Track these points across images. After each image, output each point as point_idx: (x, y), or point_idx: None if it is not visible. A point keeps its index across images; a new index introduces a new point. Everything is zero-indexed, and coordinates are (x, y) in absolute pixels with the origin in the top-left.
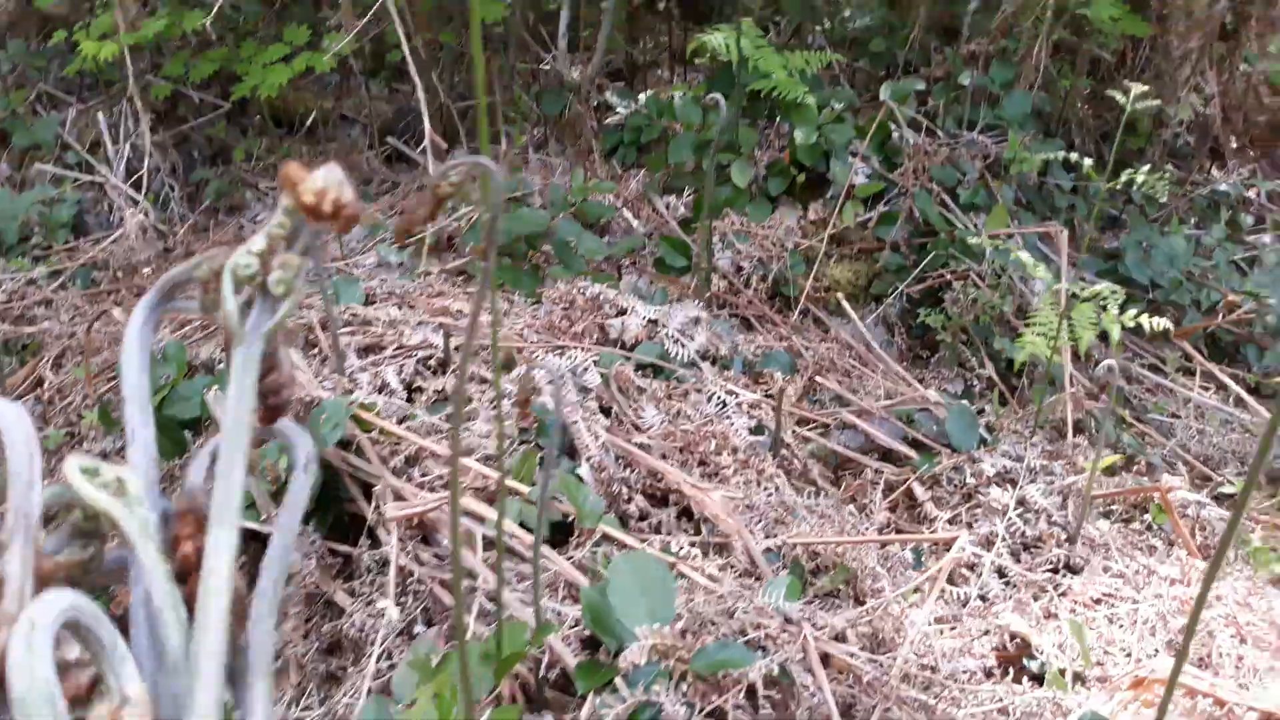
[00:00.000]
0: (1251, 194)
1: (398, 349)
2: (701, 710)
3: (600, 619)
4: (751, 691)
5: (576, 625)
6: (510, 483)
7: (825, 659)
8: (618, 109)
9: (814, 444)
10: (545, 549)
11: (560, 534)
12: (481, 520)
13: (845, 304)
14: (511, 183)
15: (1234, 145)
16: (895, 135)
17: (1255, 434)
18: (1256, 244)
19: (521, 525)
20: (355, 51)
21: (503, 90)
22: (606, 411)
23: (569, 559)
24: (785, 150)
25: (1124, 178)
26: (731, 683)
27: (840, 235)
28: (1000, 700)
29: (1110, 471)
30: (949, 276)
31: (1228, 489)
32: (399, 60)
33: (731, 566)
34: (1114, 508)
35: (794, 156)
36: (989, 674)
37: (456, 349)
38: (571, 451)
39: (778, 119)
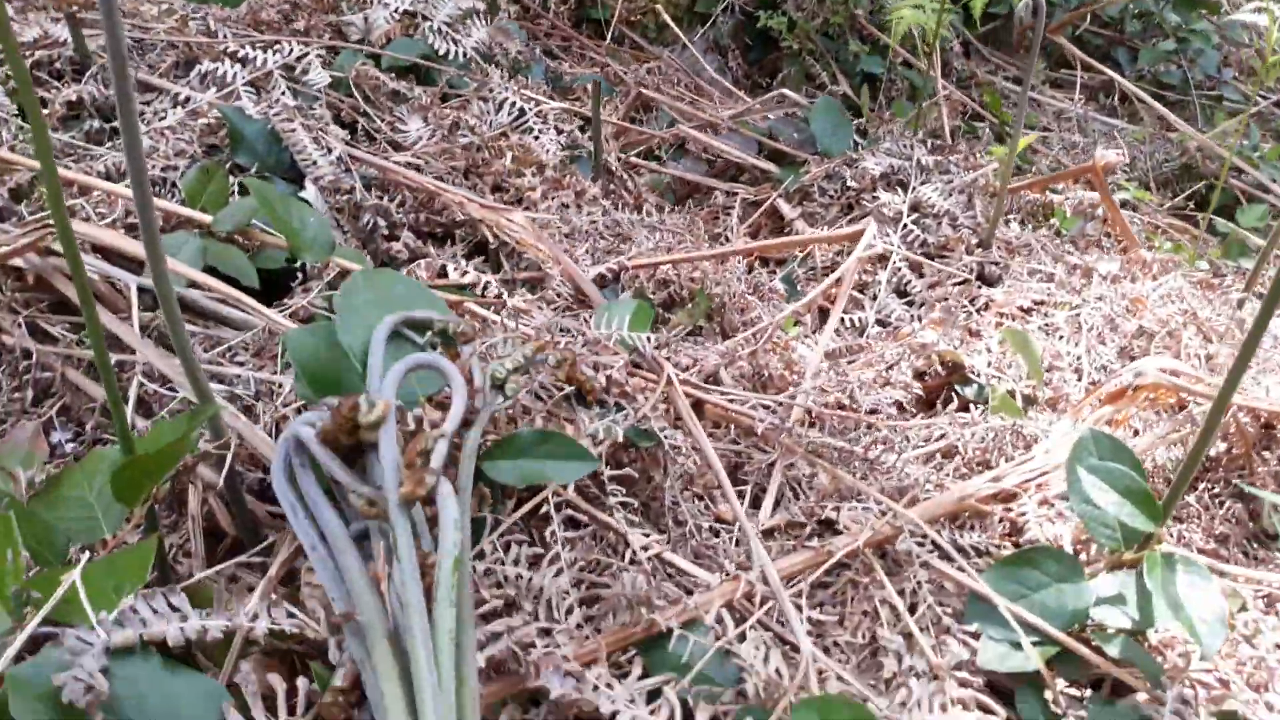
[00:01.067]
0: None
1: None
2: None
3: (322, 375)
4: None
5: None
6: (185, 210)
7: (698, 408)
8: None
9: (649, 175)
10: (249, 300)
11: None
12: (138, 265)
13: (670, 22)
14: None
15: None
16: None
17: (1140, 141)
18: None
19: (212, 272)
20: None
21: None
22: (349, 127)
23: (286, 311)
24: None
25: None
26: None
27: None
28: (944, 435)
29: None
30: None
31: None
32: None
33: (549, 302)
34: (1011, 217)
35: None
36: (920, 407)
37: (101, 48)
38: (294, 172)
39: None
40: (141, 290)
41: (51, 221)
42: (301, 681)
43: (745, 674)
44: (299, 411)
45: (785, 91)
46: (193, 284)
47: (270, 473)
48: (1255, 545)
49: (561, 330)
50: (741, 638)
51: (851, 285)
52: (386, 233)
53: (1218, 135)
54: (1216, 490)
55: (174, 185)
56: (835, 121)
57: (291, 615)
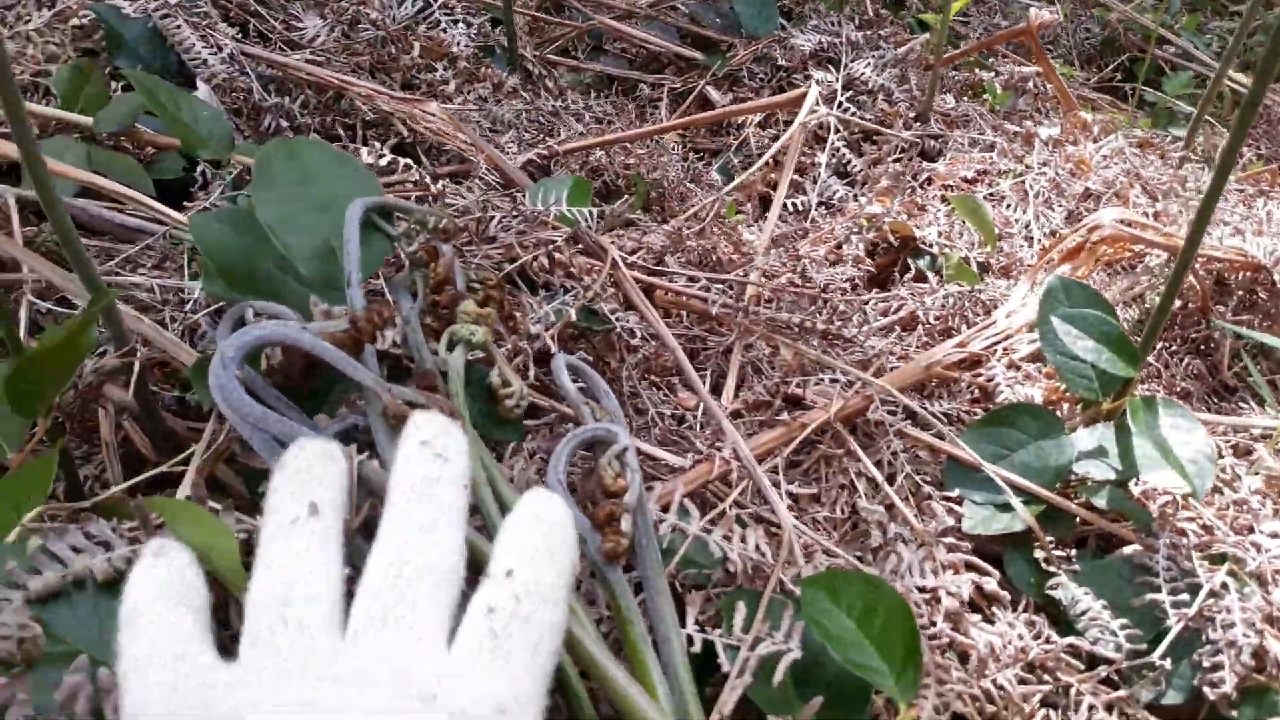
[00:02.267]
0: None
1: None
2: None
3: (234, 267)
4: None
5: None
6: (62, 113)
7: (649, 295)
8: None
9: (569, 74)
10: (147, 200)
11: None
12: (15, 179)
13: None
14: None
15: None
16: None
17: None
18: None
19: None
20: None
21: None
22: (241, 28)
23: (187, 210)
24: None
25: None
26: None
27: None
28: (903, 305)
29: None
30: None
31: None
32: None
33: (473, 191)
34: (953, 74)
35: None
36: (872, 285)
37: None
38: (183, 77)
39: None
40: (23, 206)
41: None
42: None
43: (729, 559)
44: (213, 318)
45: None
46: (81, 193)
47: (210, 383)
48: (1216, 399)
49: (493, 208)
50: (721, 516)
51: (797, 156)
52: (291, 135)
53: (1137, 7)
54: (1175, 348)
55: (47, 92)
56: (760, 1)
57: (227, 507)
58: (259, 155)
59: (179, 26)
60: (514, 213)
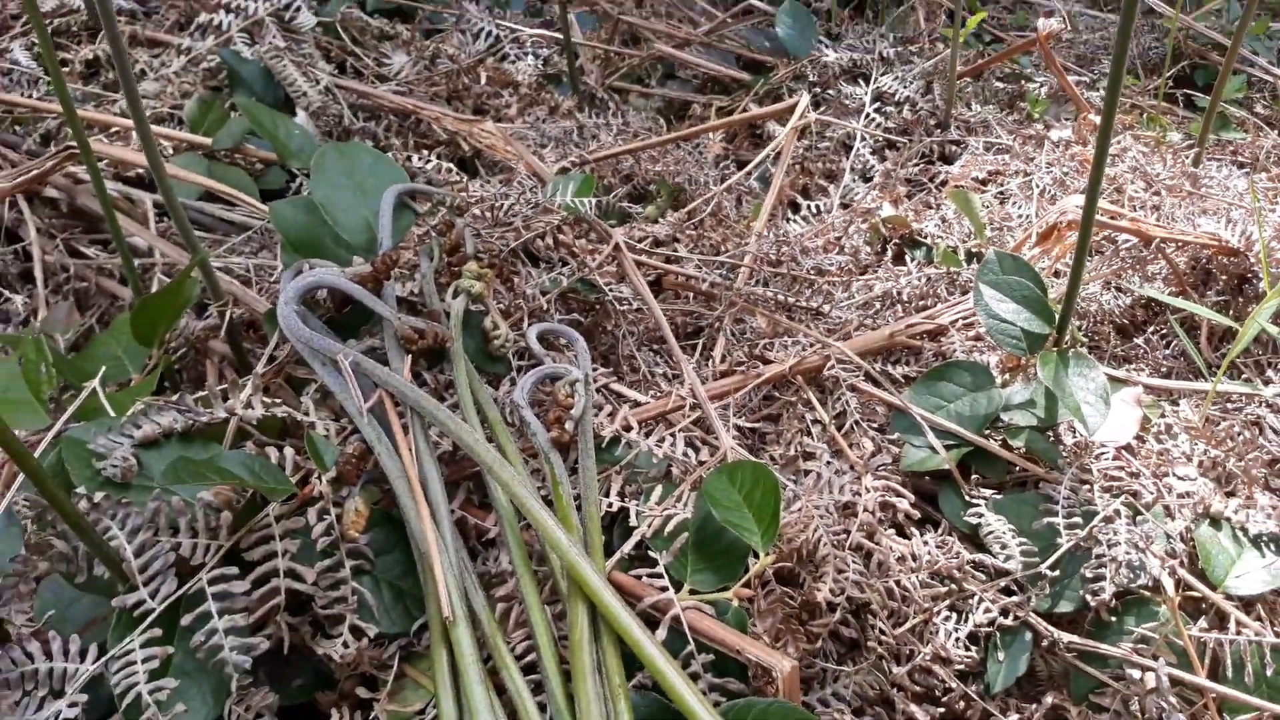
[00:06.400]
0: None
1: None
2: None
3: (301, 239)
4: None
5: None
6: (189, 135)
7: (656, 285)
8: None
9: (636, 99)
10: (249, 199)
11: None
12: (146, 186)
13: None
14: None
15: None
16: None
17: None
18: None
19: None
20: None
21: None
22: (339, 66)
23: None
24: None
25: None
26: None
27: None
28: (885, 284)
29: (984, 42)
30: None
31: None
32: None
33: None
34: (1000, 85)
35: None
36: (865, 269)
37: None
38: (289, 106)
39: None
40: (156, 207)
41: (73, 144)
42: (289, 451)
43: (672, 464)
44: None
45: (753, 2)
46: (202, 196)
47: (278, 315)
48: (1195, 378)
49: (505, 196)
50: (661, 441)
51: (790, 155)
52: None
53: (1201, 16)
54: (1164, 331)
55: (181, 120)
56: (801, 23)
57: (278, 404)
58: (316, 153)
59: (284, 65)
60: (524, 200)
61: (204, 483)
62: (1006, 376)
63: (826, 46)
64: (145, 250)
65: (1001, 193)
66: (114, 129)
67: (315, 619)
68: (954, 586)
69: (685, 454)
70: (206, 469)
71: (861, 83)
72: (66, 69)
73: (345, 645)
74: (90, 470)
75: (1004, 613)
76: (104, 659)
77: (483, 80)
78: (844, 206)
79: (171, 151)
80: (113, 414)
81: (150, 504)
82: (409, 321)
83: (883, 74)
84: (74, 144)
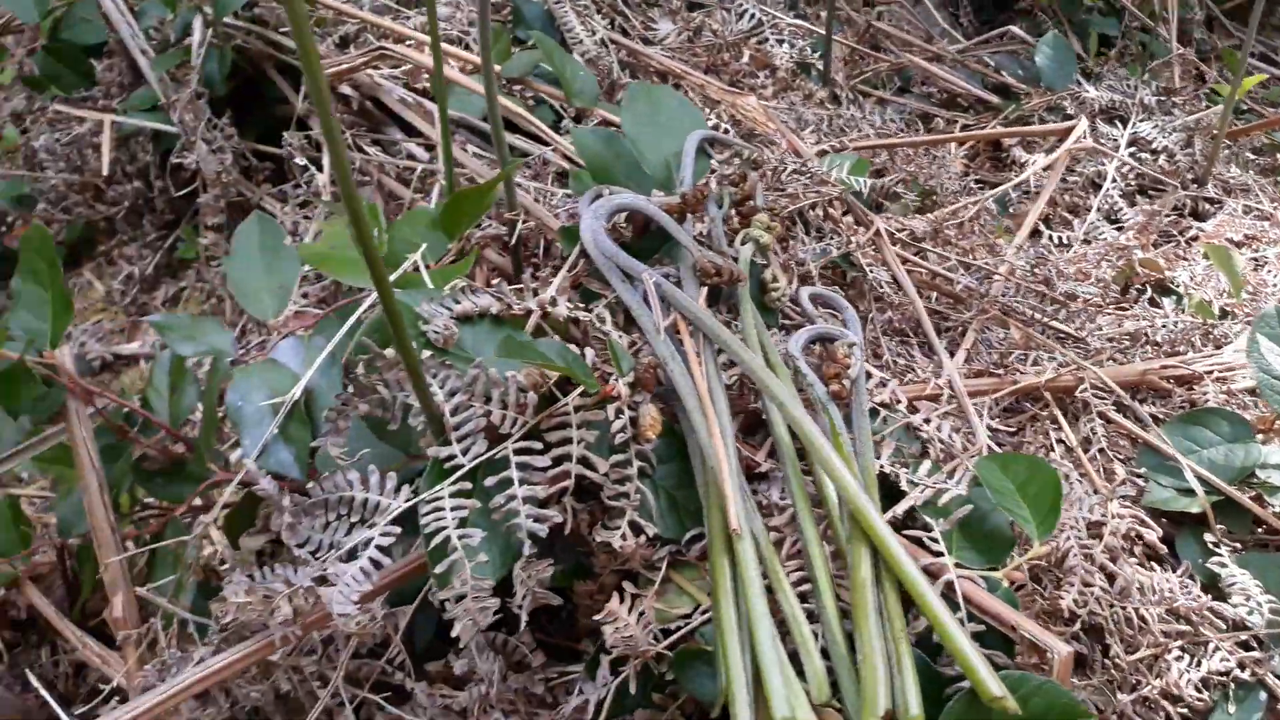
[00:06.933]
0: None
1: None
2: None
3: (601, 167)
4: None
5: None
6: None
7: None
8: None
9: (876, 105)
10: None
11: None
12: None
13: None
14: None
15: None
16: None
17: None
18: None
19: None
20: None
21: None
22: (609, 20)
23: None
24: None
25: None
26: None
27: None
28: (1136, 323)
29: (1236, 111)
30: None
31: None
32: None
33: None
34: (1251, 156)
35: None
36: (1112, 304)
37: None
38: (563, 47)
39: None
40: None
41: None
42: (589, 351)
43: (928, 445)
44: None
45: (1013, 29)
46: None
47: (581, 231)
48: None
49: (783, 163)
50: (927, 420)
51: (1059, 177)
52: None
53: None
54: None
55: (468, 44)
56: (1061, 57)
57: (580, 306)
58: (629, 90)
59: (566, 11)
60: (803, 170)
61: (526, 361)
62: (1262, 435)
63: (1083, 83)
64: (423, 159)
65: (1257, 258)
66: (408, 39)
67: (590, 510)
68: (1190, 629)
69: (950, 437)
70: (529, 350)
71: (1118, 124)
72: None
73: (623, 538)
74: (415, 331)
75: (1241, 665)
76: (414, 500)
77: (745, 58)
78: (1085, 242)
79: (460, 70)
80: (431, 286)
81: (471, 371)
82: (708, 255)
83: (1142, 120)
84: (384, 46)
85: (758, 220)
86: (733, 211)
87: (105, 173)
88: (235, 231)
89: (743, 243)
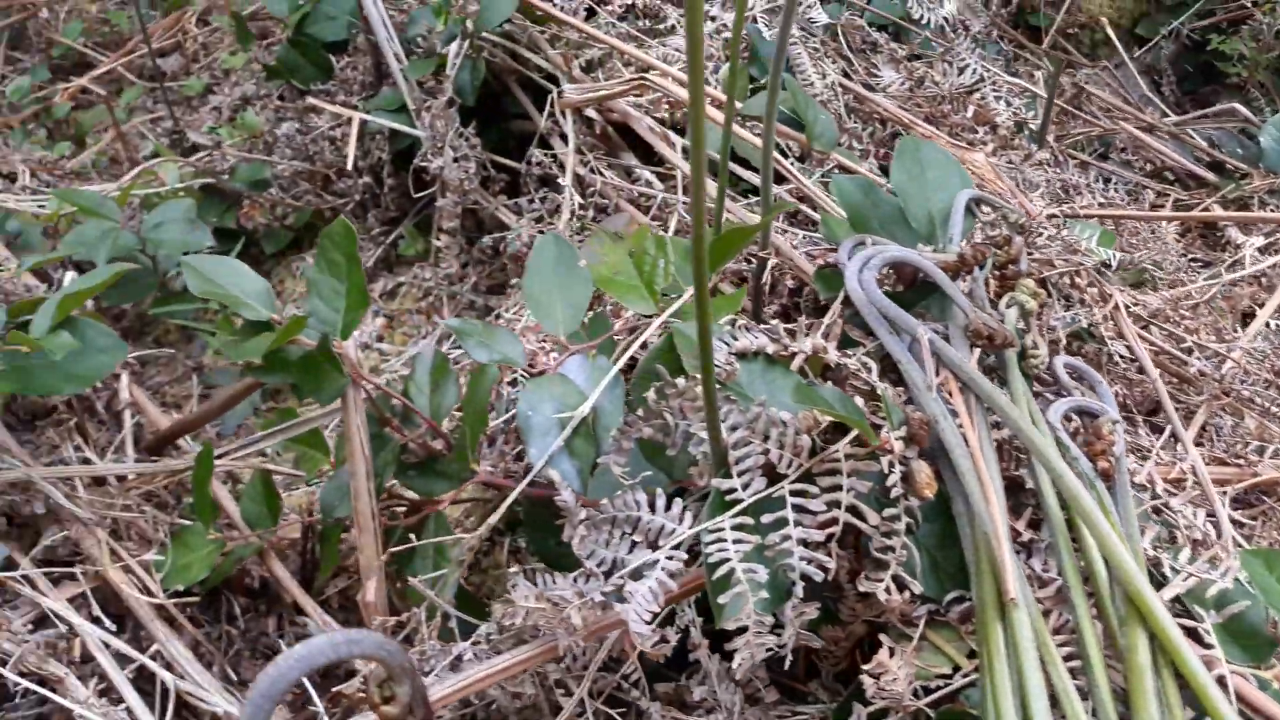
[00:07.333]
0: None
1: None
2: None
3: (860, 216)
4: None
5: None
6: (719, 94)
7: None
8: None
9: (1077, 169)
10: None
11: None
12: (677, 131)
13: (1111, 34)
14: None
15: None
16: None
17: None
18: None
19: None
20: None
21: None
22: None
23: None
24: None
25: None
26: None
27: None
28: None
29: None
30: (1249, 3)
31: None
32: None
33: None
34: None
35: None
36: None
37: None
38: None
39: None
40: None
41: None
42: (858, 399)
43: (1175, 531)
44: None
45: (1236, 106)
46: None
47: (847, 279)
48: None
49: (1038, 231)
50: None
51: None
52: (858, 150)
53: None
54: None
55: (708, 78)
56: None
57: (849, 354)
58: (900, 143)
59: (800, 53)
60: (1056, 236)
61: (816, 407)
62: None
63: None
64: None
65: None
66: (653, 69)
67: (848, 559)
68: None
69: (1206, 526)
70: (817, 398)
71: None
72: (605, 6)
73: (888, 591)
74: (695, 363)
75: None
76: (698, 528)
77: (970, 112)
78: None
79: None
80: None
81: (754, 408)
82: (983, 317)
83: None
84: (644, 76)
85: (1023, 285)
86: (999, 273)
87: (350, 165)
88: (533, 248)
89: (1008, 306)
